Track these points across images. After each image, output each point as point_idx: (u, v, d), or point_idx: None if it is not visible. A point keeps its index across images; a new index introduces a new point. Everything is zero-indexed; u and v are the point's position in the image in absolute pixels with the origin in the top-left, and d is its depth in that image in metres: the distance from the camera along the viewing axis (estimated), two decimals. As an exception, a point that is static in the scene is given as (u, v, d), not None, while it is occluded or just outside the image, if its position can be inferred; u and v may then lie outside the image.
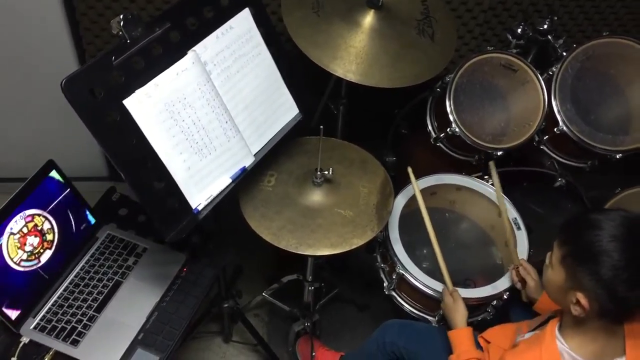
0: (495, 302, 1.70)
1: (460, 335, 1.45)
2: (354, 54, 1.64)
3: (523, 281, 1.59)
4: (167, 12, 1.31)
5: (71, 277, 1.53)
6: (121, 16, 1.20)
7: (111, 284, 1.53)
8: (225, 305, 1.94)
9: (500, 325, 1.54)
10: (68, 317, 1.46)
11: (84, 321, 1.45)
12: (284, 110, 1.59)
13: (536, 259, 1.81)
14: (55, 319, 1.45)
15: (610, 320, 1.15)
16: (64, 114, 1.15)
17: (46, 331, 1.43)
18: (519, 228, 1.79)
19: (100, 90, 1.18)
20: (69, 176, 1.55)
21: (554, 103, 1.84)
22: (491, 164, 1.83)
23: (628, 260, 1.07)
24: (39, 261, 1.46)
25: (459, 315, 1.49)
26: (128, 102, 1.22)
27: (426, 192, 1.86)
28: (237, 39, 1.43)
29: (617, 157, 1.85)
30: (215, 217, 1.59)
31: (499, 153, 1.85)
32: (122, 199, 1.75)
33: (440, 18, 1.81)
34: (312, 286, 1.92)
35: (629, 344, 1.17)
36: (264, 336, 2.14)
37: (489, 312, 1.73)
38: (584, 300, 1.12)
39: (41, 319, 1.44)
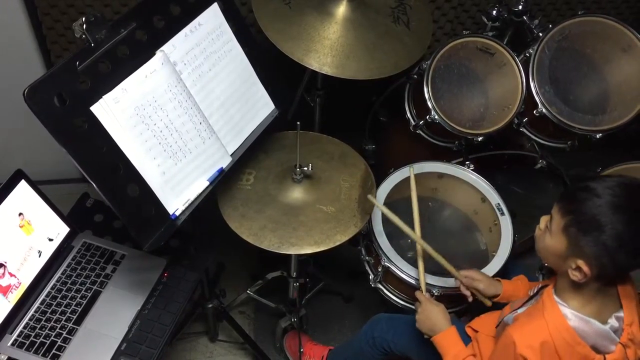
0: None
1: (450, 337, 1.42)
2: (328, 46, 1.60)
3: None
4: (132, 11, 1.25)
5: (48, 289, 1.48)
6: (83, 18, 1.14)
7: (90, 294, 1.49)
8: (210, 305, 1.91)
9: (486, 313, 1.54)
10: (47, 331, 1.41)
11: (64, 334, 1.41)
12: (260, 106, 1.54)
13: (521, 241, 1.82)
14: (33, 334, 1.40)
15: (606, 283, 1.18)
16: (32, 116, 1.09)
17: (25, 347, 1.38)
18: (502, 213, 1.78)
19: (65, 98, 1.12)
20: (41, 180, 1.49)
21: (532, 85, 1.83)
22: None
23: (633, 231, 1.08)
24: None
25: (445, 317, 1.45)
26: (95, 109, 1.16)
27: (407, 181, 1.83)
28: (207, 36, 1.38)
29: (597, 136, 1.84)
30: (194, 218, 1.55)
31: (480, 139, 1.84)
32: (96, 205, 1.69)
33: (414, 4, 1.78)
34: (296, 282, 1.90)
35: (624, 297, 1.20)
36: (251, 333, 2.11)
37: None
38: (585, 268, 1.13)
39: (19, 335, 1.40)
